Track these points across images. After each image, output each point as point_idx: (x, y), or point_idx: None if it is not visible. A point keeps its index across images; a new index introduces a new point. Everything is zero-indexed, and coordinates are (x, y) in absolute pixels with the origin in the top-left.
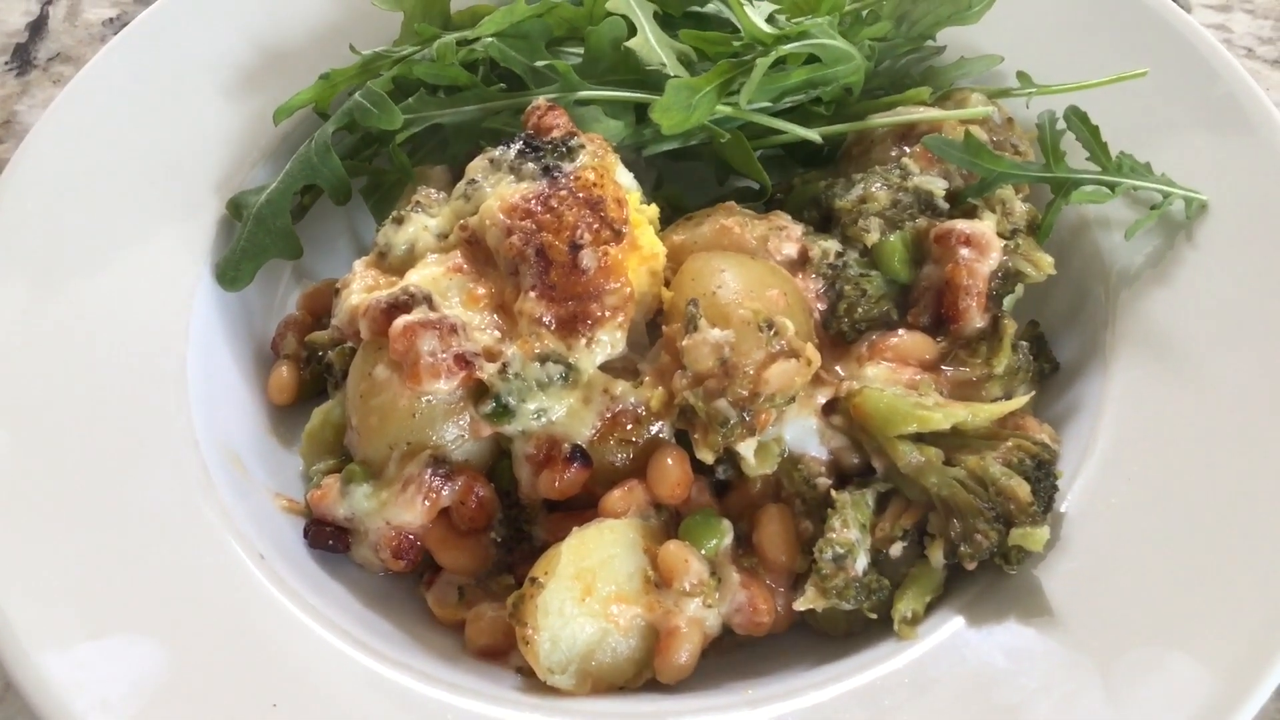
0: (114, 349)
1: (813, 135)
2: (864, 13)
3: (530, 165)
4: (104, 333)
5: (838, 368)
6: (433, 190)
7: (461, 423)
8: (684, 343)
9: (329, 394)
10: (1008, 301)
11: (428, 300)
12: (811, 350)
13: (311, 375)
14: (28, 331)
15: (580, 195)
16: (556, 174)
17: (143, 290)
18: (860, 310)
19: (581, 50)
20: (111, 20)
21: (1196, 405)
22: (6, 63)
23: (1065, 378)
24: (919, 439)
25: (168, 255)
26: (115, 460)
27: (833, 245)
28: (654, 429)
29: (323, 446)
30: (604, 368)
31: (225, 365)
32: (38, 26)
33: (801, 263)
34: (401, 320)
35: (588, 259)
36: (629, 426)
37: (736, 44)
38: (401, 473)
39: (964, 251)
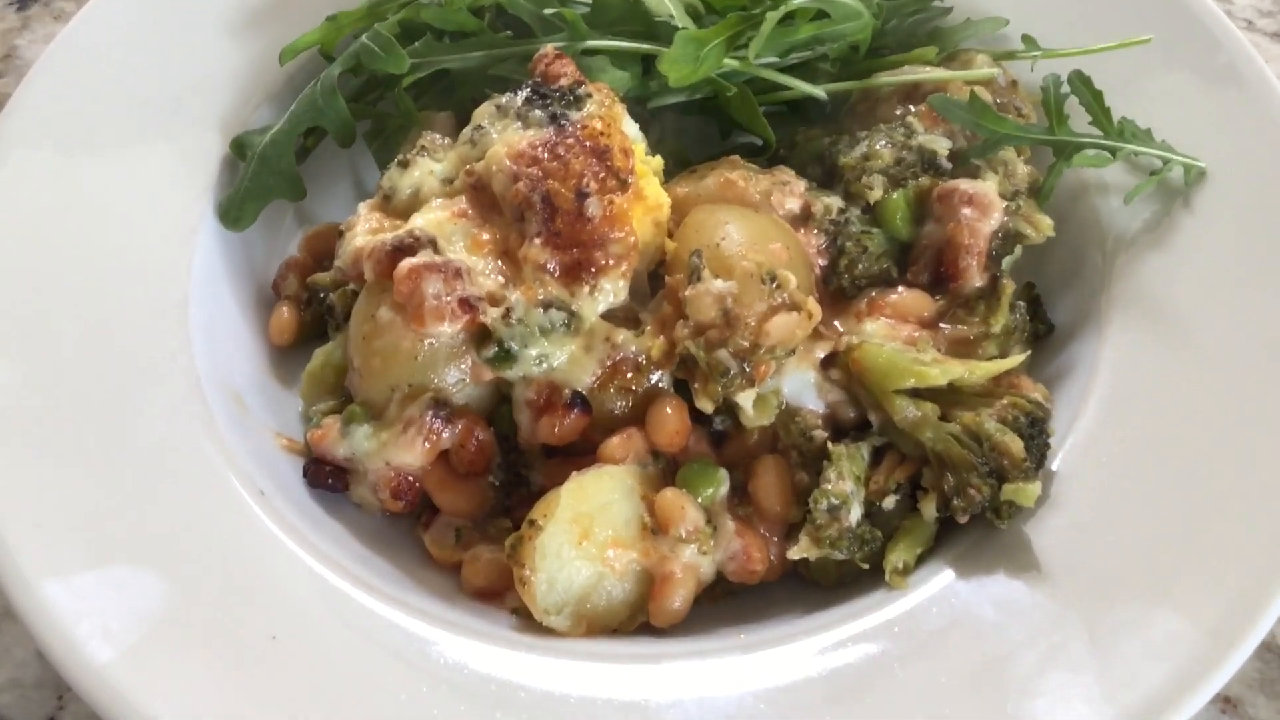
0: (117, 286)
1: (818, 92)
2: None
3: (537, 113)
4: (107, 270)
5: (837, 323)
6: (437, 135)
7: (463, 366)
8: (687, 293)
9: (330, 335)
10: (1006, 262)
11: (432, 244)
12: (813, 304)
13: (312, 317)
14: (32, 267)
15: (587, 144)
16: (563, 122)
17: (146, 228)
18: (861, 266)
19: (590, 0)
20: None
21: (1188, 369)
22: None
23: (1060, 339)
24: (916, 394)
25: (170, 194)
26: (118, 395)
27: (835, 201)
28: (654, 378)
29: (323, 387)
30: (606, 316)
31: (227, 305)
32: None
33: (804, 218)
34: (407, 263)
35: (593, 207)
36: (629, 375)
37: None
38: (402, 414)
39: (966, 211)
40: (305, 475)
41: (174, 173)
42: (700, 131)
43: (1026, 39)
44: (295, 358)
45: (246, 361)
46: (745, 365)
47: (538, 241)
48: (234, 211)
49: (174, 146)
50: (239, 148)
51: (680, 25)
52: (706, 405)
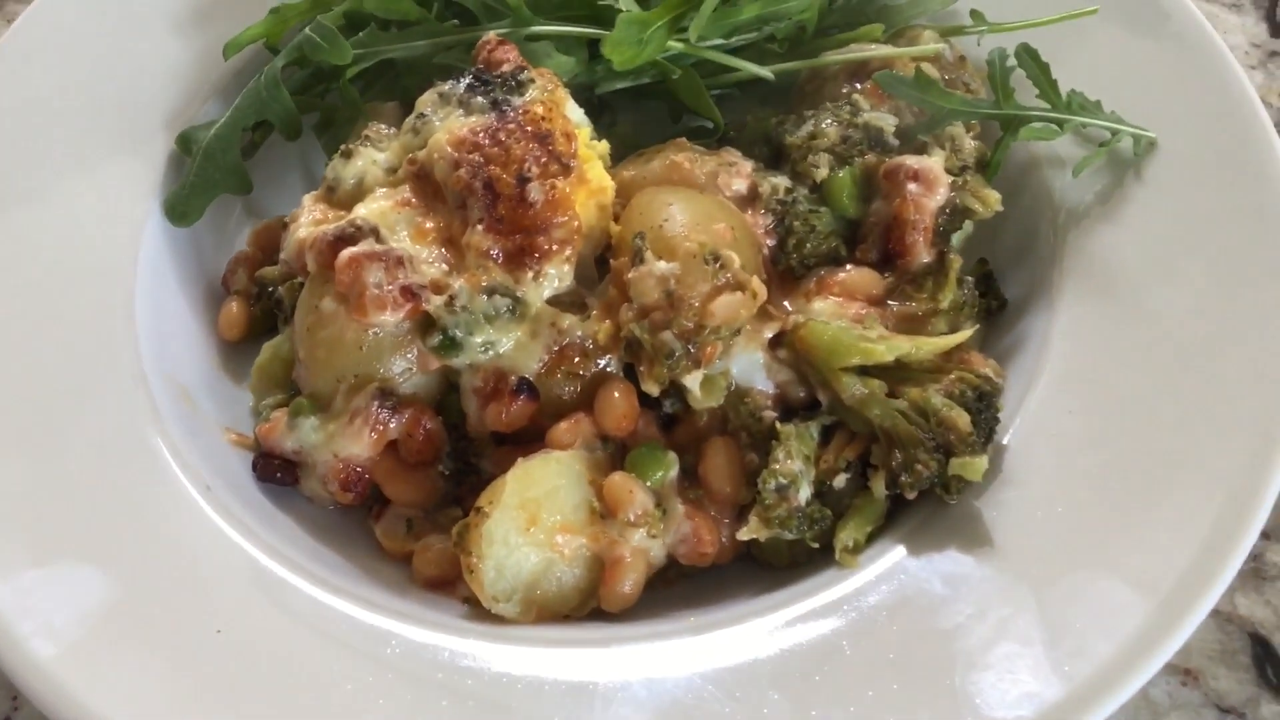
0: (62, 283)
1: (765, 72)
2: None
3: (479, 99)
4: (52, 267)
5: (785, 303)
6: (383, 125)
7: (409, 356)
8: (629, 275)
9: (279, 329)
10: (956, 238)
11: (375, 233)
12: (757, 283)
13: (262, 311)
14: None
15: (529, 129)
16: (505, 108)
17: (91, 225)
18: (809, 246)
19: None
20: None
21: (1139, 340)
22: None
23: (1013, 314)
24: (863, 372)
25: (116, 190)
26: (62, 392)
27: (782, 181)
28: (601, 362)
29: (272, 381)
30: (552, 302)
31: (175, 301)
32: None
33: (751, 199)
34: (347, 252)
35: (535, 192)
36: (576, 360)
37: None
38: (349, 405)
39: (912, 187)
40: (254, 469)
41: (120, 169)
42: (650, 115)
43: (974, 13)
44: (246, 353)
45: (195, 357)
46: (690, 346)
47: (480, 228)
48: (180, 207)
49: (120, 143)
50: (184, 143)
51: (625, 8)
52: (652, 388)
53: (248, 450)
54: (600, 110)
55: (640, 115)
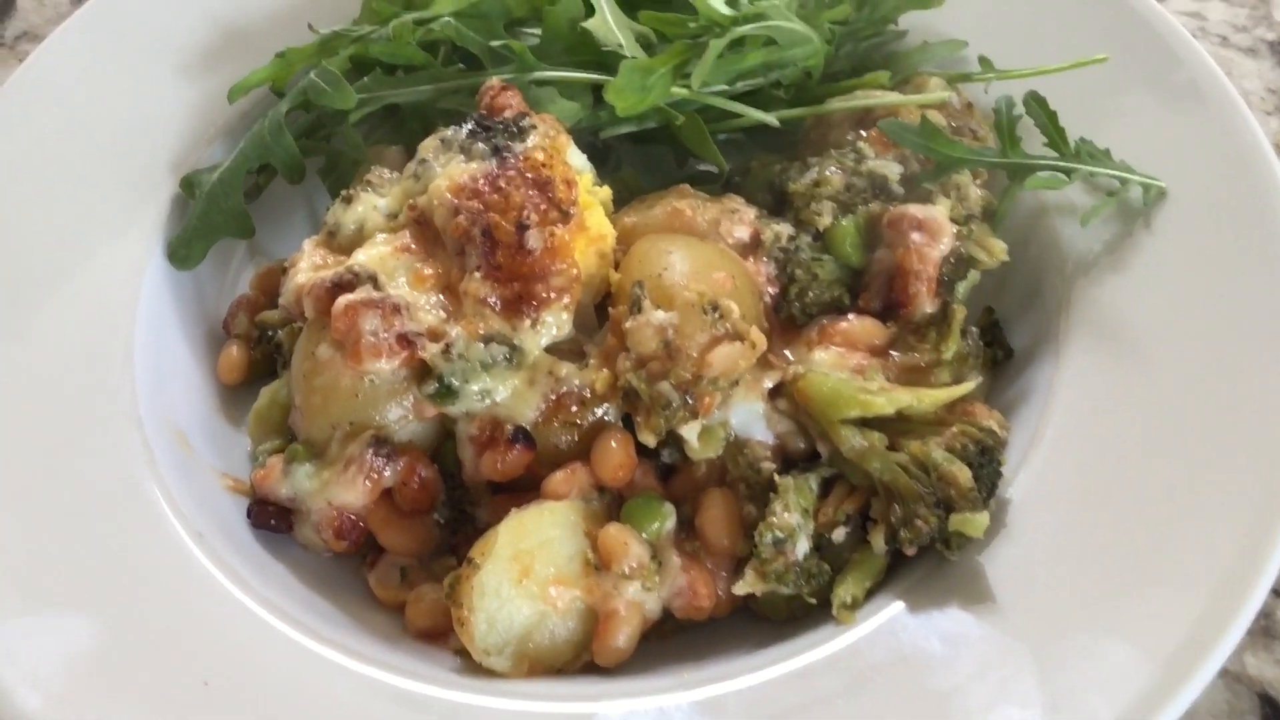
0: (61, 324)
1: (769, 119)
2: None
3: (480, 145)
4: (52, 307)
5: (787, 352)
6: (385, 170)
7: (405, 403)
8: (627, 324)
9: (278, 373)
10: (962, 288)
11: (372, 280)
12: (756, 333)
13: (262, 355)
14: None
15: (529, 176)
16: (506, 154)
17: (93, 266)
18: (811, 294)
19: (540, 31)
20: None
21: (1147, 394)
22: None
23: (1019, 364)
24: (864, 424)
25: (120, 231)
26: (57, 435)
27: (785, 229)
28: (599, 411)
29: (270, 426)
30: (551, 350)
31: (175, 344)
32: (6, 5)
33: (754, 246)
34: (344, 299)
35: (534, 240)
36: (573, 409)
37: (693, 25)
38: (344, 453)
39: (915, 236)
40: (249, 516)
41: (124, 210)
42: (654, 159)
43: (982, 60)
44: (244, 396)
45: (194, 400)
46: (688, 397)
47: (478, 275)
48: (182, 250)
49: (125, 184)
50: (188, 186)
51: (629, 55)
52: (649, 439)
53: (244, 496)
54: (604, 154)
55: (644, 159)
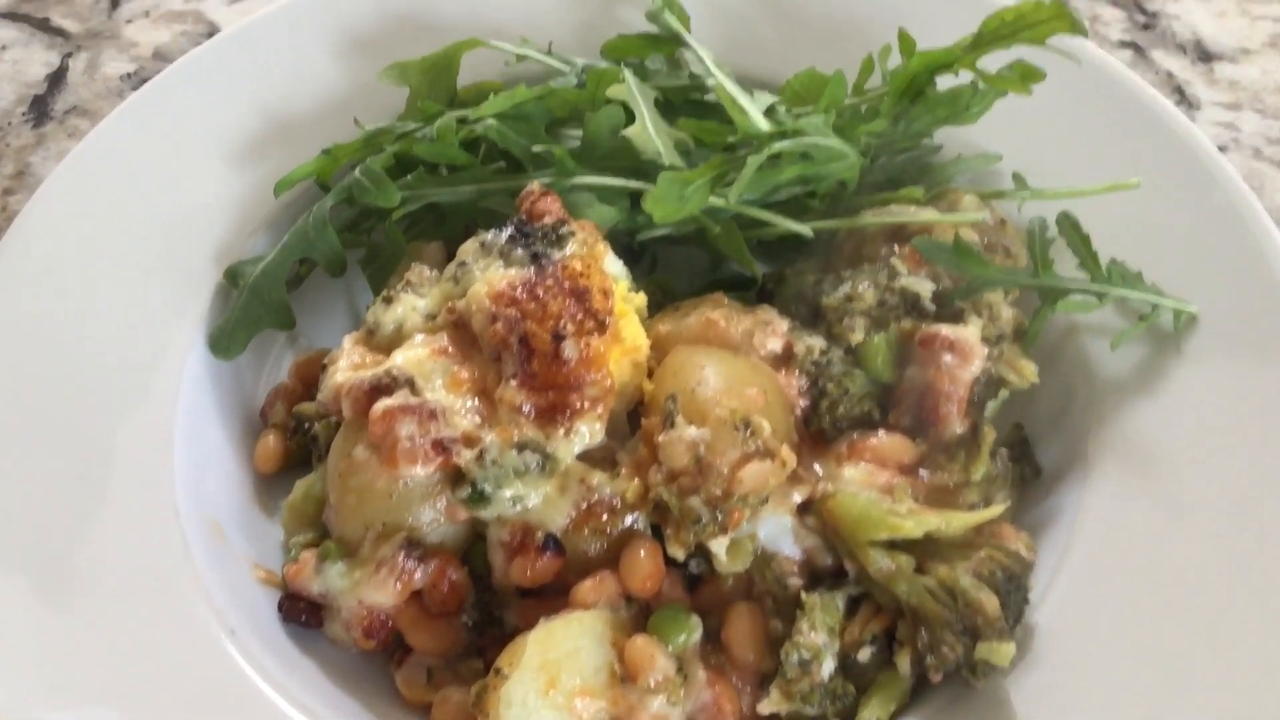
0: (103, 413)
1: (804, 230)
2: (863, 108)
3: (519, 251)
4: (95, 396)
5: (816, 466)
6: (425, 268)
7: (438, 505)
8: (660, 439)
9: (313, 466)
10: (991, 406)
11: (410, 384)
12: (787, 451)
13: (297, 446)
14: (22, 389)
15: (566, 284)
16: (544, 262)
17: (137, 354)
18: (842, 409)
19: (580, 133)
20: (129, 75)
21: (1173, 523)
22: (24, 113)
23: (1047, 483)
24: (892, 545)
25: (164, 319)
26: (93, 525)
27: (818, 342)
28: (628, 520)
29: (303, 519)
30: (582, 456)
31: (213, 431)
32: (57, 78)
33: (786, 359)
34: (381, 404)
35: (570, 349)
36: (604, 517)
37: (732, 138)
38: (376, 554)
39: (946, 358)
40: (280, 610)
41: (169, 298)
42: (690, 260)
43: (1016, 177)
44: (280, 486)
45: (230, 488)
46: (718, 513)
47: (514, 383)
48: (224, 341)
49: (171, 272)
50: (232, 277)
51: (668, 163)
52: (678, 552)
53: (275, 588)
54: (639, 254)
55: (679, 259)
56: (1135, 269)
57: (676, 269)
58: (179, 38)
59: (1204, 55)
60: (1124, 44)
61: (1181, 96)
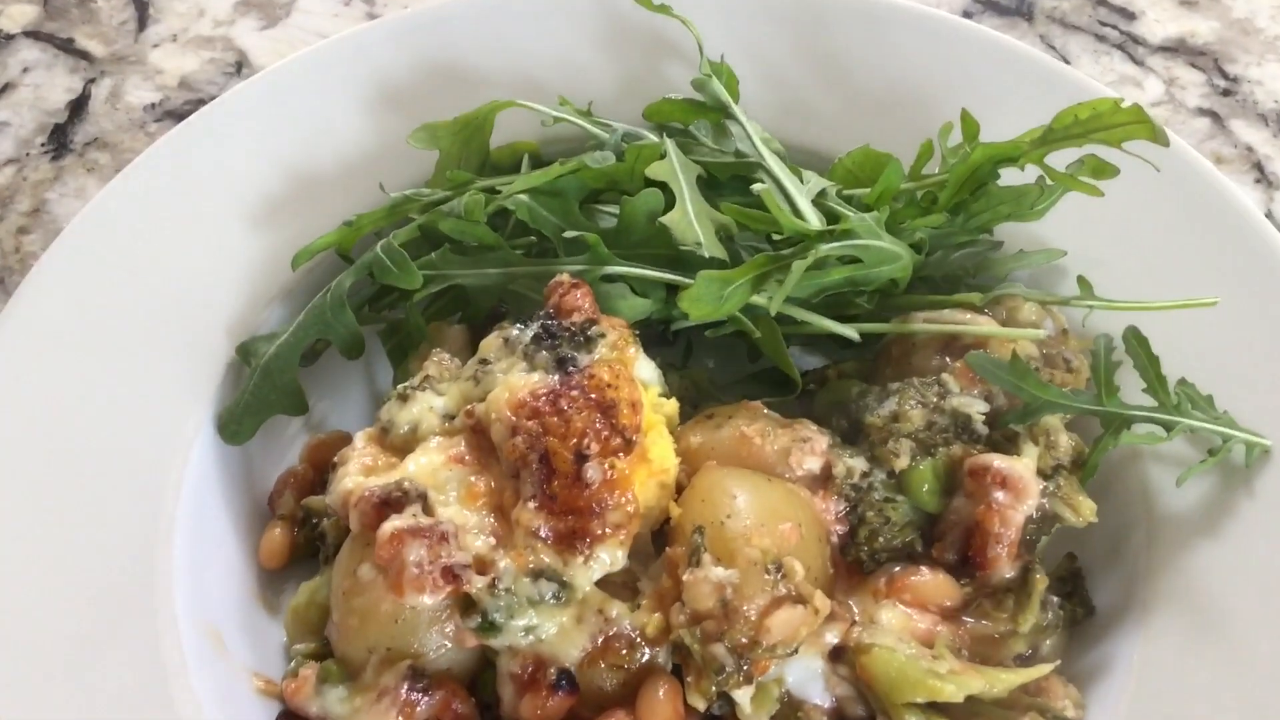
0: (101, 502)
1: (850, 333)
2: (919, 195)
3: (544, 354)
4: (95, 481)
5: (851, 602)
6: (446, 355)
7: (446, 630)
8: (685, 577)
9: (320, 566)
10: (1044, 541)
11: (422, 498)
12: (821, 599)
13: (305, 539)
14: (13, 463)
15: (592, 396)
16: (570, 368)
17: (141, 435)
18: (882, 539)
19: (617, 209)
20: (153, 106)
21: (1234, 684)
22: (43, 144)
23: (1099, 627)
24: (930, 705)
25: (173, 395)
26: (85, 634)
27: (858, 464)
28: (648, 654)
29: (306, 627)
30: (601, 583)
31: (218, 520)
32: (78, 106)
33: (824, 479)
34: (389, 526)
35: (593, 472)
36: (622, 651)
37: (777, 236)
38: (378, 681)
39: (998, 495)
40: None
41: (178, 374)
42: (728, 347)
43: (1082, 283)
44: (285, 580)
45: (232, 584)
46: (743, 662)
47: (532, 505)
48: (233, 425)
49: (181, 345)
50: (244, 354)
51: (708, 253)
52: (699, 702)
53: (274, 699)
54: (674, 341)
55: (717, 348)
56: (1206, 393)
57: (714, 358)
58: (206, 66)
59: None
60: (1201, 111)
61: (1261, 174)
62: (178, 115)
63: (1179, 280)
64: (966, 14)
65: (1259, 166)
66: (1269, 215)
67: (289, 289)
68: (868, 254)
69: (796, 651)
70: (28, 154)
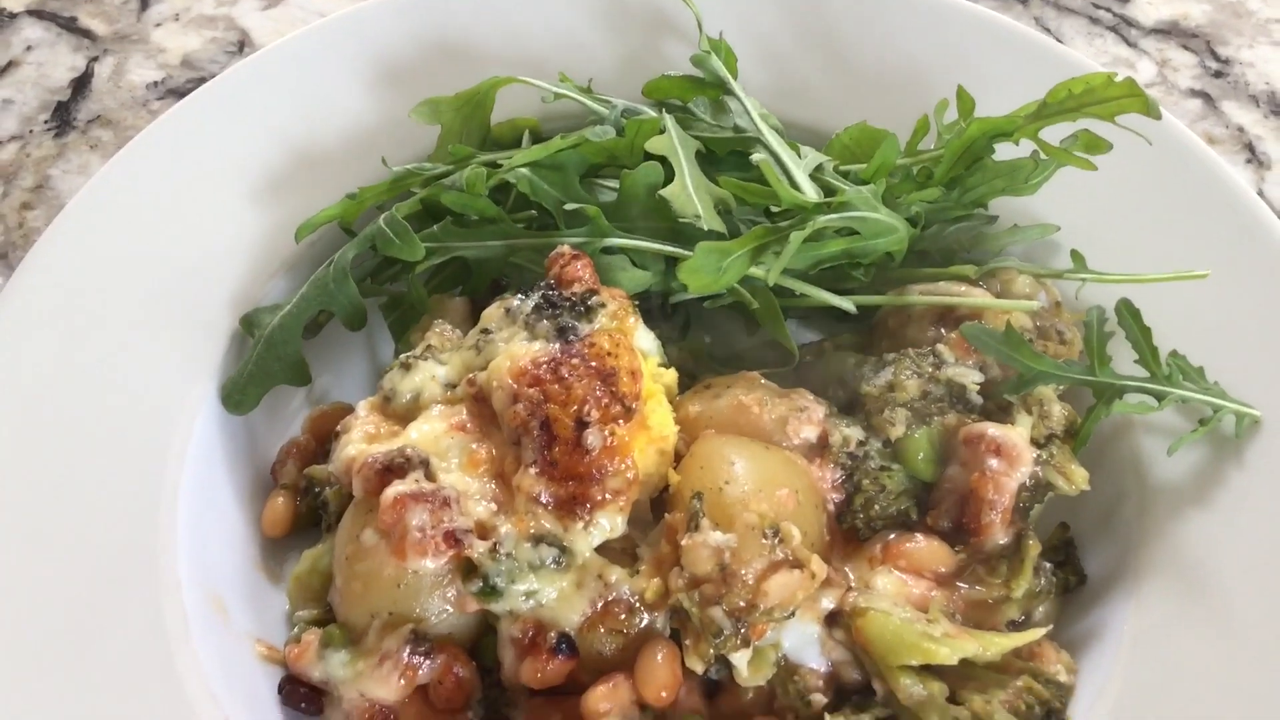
0: (105, 472)
1: (846, 305)
2: (915, 170)
3: (545, 324)
4: (99, 451)
5: (847, 568)
6: (448, 326)
7: (448, 595)
8: (684, 542)
9: (322, 534)
10: (1036, 509)
11: (424, 465)
12: (817, 563)
13: (307, 508)
14: (19, 433)
15: (593, 364)
16: (571, 337)
17: (146, 406)
18: (877, 507)
19: (617, 184)
20: (156, 84)
21: (1222, 650)
22: (46, 121)
23: (1091, 594)
24: (925, 668)
25: (177, 366)
26: (86, 605)
27: (855, 433)
28: (647, 619)
29: (309, 594)
30: (601, 549)
31: (221, 489)
32: (81, 84)
33: (821, 448)
34: (392, 490)
35: (593, 438)
36: (621, 616)
37: (775, 209)
38: (380, 645)
39: (992, 462)
40: (280, 692)
41: (181, 344)
42: (726, 320)
43: (1075, 256)
44: (287, 548)
45: (235, 553)
46: (740, 625)
47: (533, 470)
48: (236, 395)
49: (185, 316)
50: (248, 325)
51: (707, 226)
52: (696, 665)
53: (276, 665)
54: (673, 314)
55: (715, 320)
56: (1197, 364)
57: (712, 331)
58: (208, 45)
59: (1278, 108)
60: (1194, 93)
61: (1252, 154)
62: (180, 94)
63: (1170, 254)
64: None
65: (1250, 147)
66: (1260, 195)
67: (292, 262)
68: (864, 226)
69: (793, 615)
70: (31, 131)
